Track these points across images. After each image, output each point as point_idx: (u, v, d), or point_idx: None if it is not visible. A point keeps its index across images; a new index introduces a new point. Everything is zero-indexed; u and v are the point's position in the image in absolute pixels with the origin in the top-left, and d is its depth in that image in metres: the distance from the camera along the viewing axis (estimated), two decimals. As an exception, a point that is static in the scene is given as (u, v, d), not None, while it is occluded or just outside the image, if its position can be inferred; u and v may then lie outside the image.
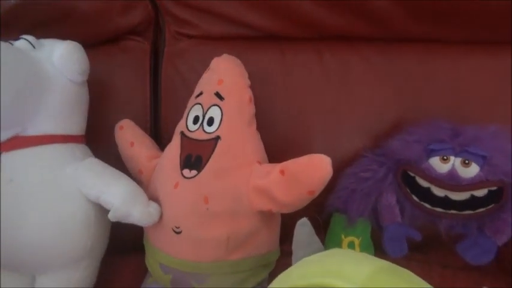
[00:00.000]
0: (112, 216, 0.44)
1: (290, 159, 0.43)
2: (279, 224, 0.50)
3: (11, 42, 0.47)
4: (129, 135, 0.53)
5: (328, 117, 0.55)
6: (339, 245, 0.54)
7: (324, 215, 0.54)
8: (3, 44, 0.44)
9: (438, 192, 0.47)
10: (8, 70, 0.42)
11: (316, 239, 0.45)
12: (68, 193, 0.45)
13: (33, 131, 0.45)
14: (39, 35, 0.51)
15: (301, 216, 0.50)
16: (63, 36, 0.53)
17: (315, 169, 0.41)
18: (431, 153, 0.47)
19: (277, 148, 0.51)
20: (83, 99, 0.51)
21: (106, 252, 0.53)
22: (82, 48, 0.49)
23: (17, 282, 0.48)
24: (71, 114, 0.49)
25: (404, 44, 0.55)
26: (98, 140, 0.53)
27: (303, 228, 0.46)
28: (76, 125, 0.50)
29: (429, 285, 0.30)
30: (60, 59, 0.47)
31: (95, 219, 0.47)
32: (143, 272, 0.54)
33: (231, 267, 0.46)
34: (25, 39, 0.47)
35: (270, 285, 0.33)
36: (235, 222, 0.44)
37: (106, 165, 0.47)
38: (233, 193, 0.44)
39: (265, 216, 0.46)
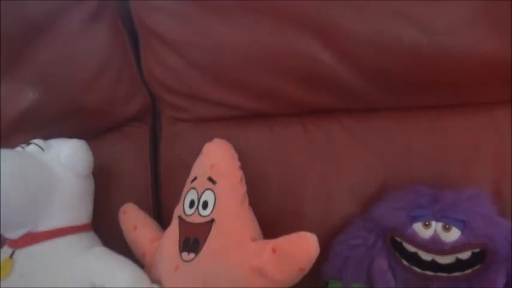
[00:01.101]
0: None
1: (284, 229, 0.46)
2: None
3: (23, 146, 0.52)
4: (132, 219, 0.57)
5: (317, 186, 0.58)
6: (337, 310, 0.55)
7: (321, 283, 0.56)
8: (18, 151, 0.50)
9: (425, 256, 0.49)
10: (23, 176, 0.47)
11: None
12: (77, 283, 0.48)
13: (43, 226, 0.50)
14: (51, 131, 0.57)
15: (300, 286, 0.52)
16: (72, 129, 0.59)
17: (303, 247, 0.44)
18: (414, 219, 0.49)
19: (271, 220, 0.54)
20: (89, 190, 0.56)
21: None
22: (86, 145, 0.54)
23: None
24: (78, 205, 0.53)
25: (382, 112, 0.59)
26: (103, 224, 0.57)
27: None
28: (83, 214, 0.54)
29: None
30: (67, 158, 0.52)
31: None
32: None
33: None
34: (35, 144, 0.53)
35: None
36: (235, 303, 0.46)
37: (112, 252, 0.51)
38: (230, 275, 0.46)
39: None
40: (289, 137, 0.60)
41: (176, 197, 0.55)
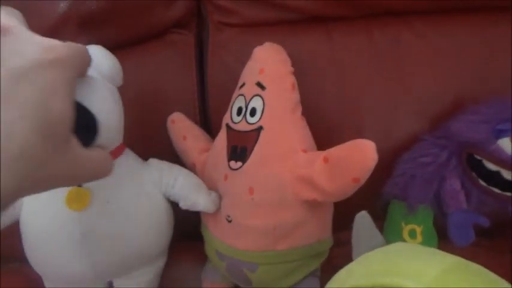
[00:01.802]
0: (183, 205, 0.48)
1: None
2: (330, 213, 0.49)
3: None
4: (181, 129, 0.55)
5: (380, 100, 0.51)
6: (399, 233, 0.51)
7: (382, 203, 0.51)
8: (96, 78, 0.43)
9: (508, 175, 0.42)
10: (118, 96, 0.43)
11: (376, 232, 0.42)
12: (151, 196, 0.47)
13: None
14: (85, 39, 0.54)
15: (357, 204, 0.47)
16: (109, 36, 0.55)
17: (358, 155, 0.38)
18: (500, 133, 0.42)
19: (326, 135, 0.49)
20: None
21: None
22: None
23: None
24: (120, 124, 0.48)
25: (463, 15, 0.49)
26: (151, 135, 0.56)
27: (363, 221, 0.43)
28: (122, 133, 0.49)
29: (508, 285, 0.26)
30: (112, 69, 0.44)
31: (170, 216, 0.50)
32: (204, 258, 0.56)
33: (279, 257, 0.45)
34: None
35: (329, 284, 0.31)
36: (281, 212, 0.44)
37: (164, 161, 0.50)
38: (277, 183, 0.43)
39: (313, 205, 0.44)
40: (350, 44, 0.53)
41: (224, 107, 0.51)
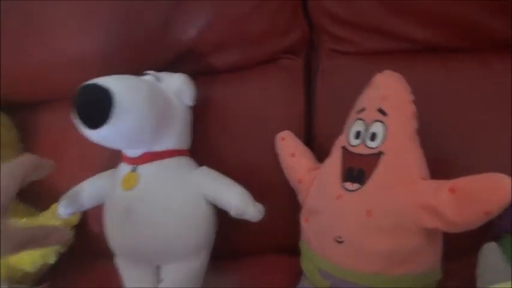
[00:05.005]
0: (234, 214, 0.51)
1: (452, 177, 0.42)
2: (441, 243, 0.48)
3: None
4: (291, 146, 0.58)
5: (498, 134, 0.51)
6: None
7: (491, 236, 0.50)
8: (143, 78, 0.54)
9: None
10: (156, 99, 0.52)
11: (505, 265, 0.41)
12: (191, 195, 0.54)
13: (158, 147, 0.54)
14: (211, 62, 0.59)
15: (462, 235, 0.47)
16: (226, 61, 0.61)
17: (493, 188, 0.38)
18: None
19: (440, 167, 0.49)
20: (191, 120, 0.60)
21: (258, 251, 0.60)
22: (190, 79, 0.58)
23: (143, 273, 0.56)
24: (186, 132, 0.58)
25: None
26: (254, 155, 0.60)
27: (491, 253, 0.43)
28: (187, 140, 0.59)
29: None
30: (180, 88, 0.56)
31: (211, 216, 0.55)
32: (296, 272, 0.57)
33: (390, 283, 0.45)
34: (151, 74, 0.56)
35: None
36: (399, 238, 0.44)
37: (216, 171, 0.56)
38: (397, 209, 0.44)
39: (430, 233, 0.44)
40: (467, 76, 0.53)
41: (331, 130, 0.53)
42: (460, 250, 0.48)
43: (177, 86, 0.56)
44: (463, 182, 0.41)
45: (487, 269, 0.42)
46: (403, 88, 0.49)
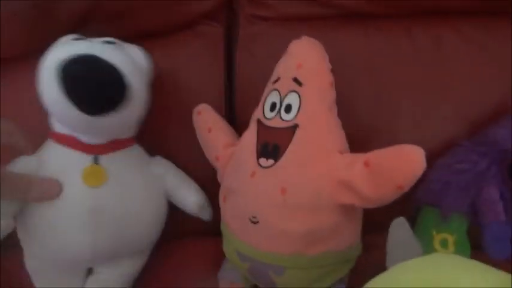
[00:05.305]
0: (190, 210, 0.52)
1: (374, 148, 0.39)
2: (361, 218, 0.47)
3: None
4: (207, 121, 0.53)
5: (417, 101, 0.50)
6: (429, 242, 0.49)
7: (411, 209, 0.49)
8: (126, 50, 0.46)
9: (556, 188, 0.40)
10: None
11: (414, 240, 0.40)
12: (155, 189, 0.50)
13: (125, 135, 0.49)
14: (115, 28, 0.52)
15: (383, 208, 0.46)
16: (139, 26, 0.54)
17: (405, 162, 0.36)
18: (548, 142, 0.40)
19: (360, 136, 0.47)
20: None
21: (186, 234, 0.57)
22: None
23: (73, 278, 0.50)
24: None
25: (507, 16, 0.47)
26: (175, 126, 0.55)
27: (400, 228, 0.42)
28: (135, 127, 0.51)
29: None
30: (145, 63, 0.49)
31: (165, 214, 0.53)
32: (222, 256, 0.54)
33: (310, 262, 0.43)
34: (116, 43, 0.47)
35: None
36: (315, 216, 0.42)
37: (171, 163, 0.54)
38: (312, 185, 0.41)
39: (347, 209, 0.43)
40: (388, 42, 0.51)
41: (252, 101, 0.49)
42: (380, 223, 0.47)
43: (141, 60, 0.48)
44: (377, 155, 0.39)
45: (396, 245, 0.41)
46: (320, 56, 0.45)
